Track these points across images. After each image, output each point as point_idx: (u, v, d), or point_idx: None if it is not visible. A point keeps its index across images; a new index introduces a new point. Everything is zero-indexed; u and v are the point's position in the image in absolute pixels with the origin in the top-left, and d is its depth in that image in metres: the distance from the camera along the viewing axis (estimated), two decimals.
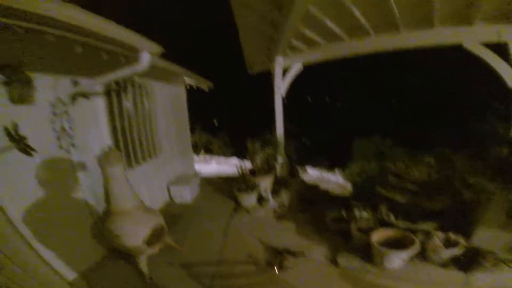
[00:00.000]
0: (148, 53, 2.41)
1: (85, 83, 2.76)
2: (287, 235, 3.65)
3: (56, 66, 2.59)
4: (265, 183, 4.78)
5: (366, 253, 2.92)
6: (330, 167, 8.89)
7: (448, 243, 2.74)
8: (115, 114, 3.47)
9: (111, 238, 2.60)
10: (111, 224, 2.58)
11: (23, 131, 2.23)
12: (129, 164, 3.73)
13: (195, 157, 9.55)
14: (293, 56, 5.39)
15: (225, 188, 5.52)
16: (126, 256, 2.83)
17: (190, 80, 6.03)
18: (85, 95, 2.93)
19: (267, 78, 6.33)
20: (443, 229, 2.91)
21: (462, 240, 2.72)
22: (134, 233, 2.54)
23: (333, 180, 7.34)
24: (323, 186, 6.67)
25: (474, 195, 2.98)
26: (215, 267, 2.91)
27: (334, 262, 2.97)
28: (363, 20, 3.82)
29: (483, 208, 2.69)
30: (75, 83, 2.76)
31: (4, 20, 1.56)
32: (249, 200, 4.55)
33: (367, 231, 3.06)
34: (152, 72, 4.30)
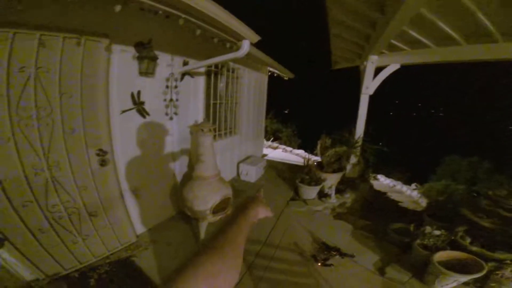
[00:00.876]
0: (248, 41, 2.62)
1: (193, 64, 3.26)
2: (340, 235, 3.59)
3: (174, 47, 3.10)
4: (332, 180, 4.72)
5: (420, 271, 2.77)
6: (407, 180, 8.06)
7: None
8: (210, 93, 3.98)
9: (185, 201, 2.84)
10: (190, 187, 2.82)
11: (142, 98, 2.84)
12: (214, 137, 4.25)
13: (265, 142, 10.00)
14: (390, 56, 4.96)
15: (287, 176, 5.67)
16: (191, 219, 3.20)
17: (273, 68, 6.28)
18: (191, 74, 3.47)
19: (347, 74, 6.06)
20: None
21: None
22: (206, 199, 2.75)
23: (406, 193, 6.69)
24: (393, 196, 6.18)
25: None
26: (260, 247, 3.07)
27: (381, 271, 2.86)
28: (489, 25, 3.26)
29: None
30: (185, 63, 3.30)
31: (152, 3, 1.98)
32: (309, 192, 4.57)
33: (432, 249, 2.89)
34: (245, 59, 4.58)
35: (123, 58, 2.56)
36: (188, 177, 3.02)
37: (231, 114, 4.80)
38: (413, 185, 7.10)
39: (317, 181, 4.62)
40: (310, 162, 5.18)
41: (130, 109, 2.75)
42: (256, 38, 2.83)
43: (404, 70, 5.04)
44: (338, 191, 4.82)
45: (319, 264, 2.90)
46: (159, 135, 3.20)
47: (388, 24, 3.13)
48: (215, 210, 2.88)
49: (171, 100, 3.23)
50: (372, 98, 5.28)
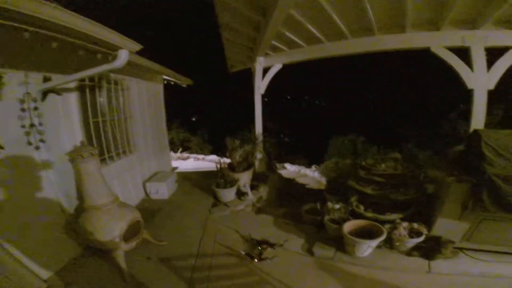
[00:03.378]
0: (126, 51, 2.38)
1: (58, 79, 2.68)
2: (266, 228, 3.74)
3: (27, 62, 2.50)
4: (244, 179, 4.86)
5: (339, 243, 3.10)
6: (308, 163, 9.21)
7: (412, 233, 2.94)
8: (88, 111, 3.38)
9: (85, 235, 2.59)
10: (85, 220, 2.60)
11: None
12: (103, 161, 3.65)
13: (173, 154, 9.43)
14: (274, 57, 5.55)
15: (204, 184, 5.52)
16: (103, 253, 2.80)
17: (168, 76, 5.95)
18: (57, 91, 2.84)
19: (246, 76, 6.45)
20: (408, 219, 3.10)
21: (424, 230, 2.92)
22: (109, 228, 2.58)
23: (310, 175, 7.60)
24: (300, 180, 6.91)
25: (435, 188, 3.23)
26: (194, 260, 2.92)
27: (310, 252, 3.11)
28: (341, 24, 4.01)
29: (443, 200, 2.89)
30: (47, 79, 2.67)
31: None
32: (228, 195, 4.60)
33: (339, 222, 3.22)
34: (129, 69, 4.23)
35: None
36: (81, 209, 2.68)
37: (121, 131, 4.22)
38: (313, 167, 8.14)
39: (232, 183, 4.68)
40: (222, 166, 5.19)
41: None
42: (137, 47, 2.68)
43: (288, 69, 5.70)
44: (253, 187, 5.02)
45: (256, 260, 2.95)
46: (26, 170, 2.57)
47: (268, 25, 3.45)
48: (127, 237, 2.67)
49: (32, 125, 2.55)
50: (268, 96, 5.76)
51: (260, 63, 5.52)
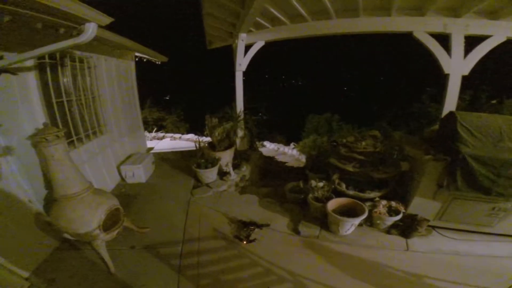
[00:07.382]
0: (94, 24, 2.04)
1: (10, 58, 2.29)
2: (251, 208, 3.72)
3: None
4: (226, 158, 4.72)
5: (323, 221, 3.16)
6: (286, 141, 9.30)
7: (391, 211, 3.05)
8: (50, 90, 3.00)
9: (60, 228, 2.40)
10: (57, 212, 2.38)
11: None
12: (71, 144, 3.34)
13: (147, 134, 9.00)
14: (256, 34, 5.37)
15: (182, 164, 5.33)
16: (83, 244, 2.65)
17: (140, 53, 5.45)
18: (11, 71, 2.44)
19: (224, 53, 6.16)
20: (386, 197, 3.20)
21: (402, 208, 3.03)
22: (86, 218, 2.36)
23: (288, 153, 7.69)
24: (280, 158, 6.98)
25: (410, 166, 3.37)
26: (181, 246, 2.84)
27: (296, 231, 3.15)
28: (327, 3, 3.90)
29: (419, 178, 2.99)
30: None
31: None
32: (209, 175, 4.45)
33: (323, 200, 3.27)
34: (97, 45, 3.83)
35: None
36: (52, 199, 2.44)
37: (90, 111, 3.85)
38: (292, 145, 8.24)
39: (213, 162, 4.51)
40: (202, 145, 5.01)
41: None
42: (107, 20, 2.32)
43: (268, 48, 5.51)
44: (235, 166, 4.91)
45: (245, 242, 2.93)
46: None
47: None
48: (106, 227, 2.49)
49: None
50: (246, 75, 5.59)
51: (242, 39, 5.32)
